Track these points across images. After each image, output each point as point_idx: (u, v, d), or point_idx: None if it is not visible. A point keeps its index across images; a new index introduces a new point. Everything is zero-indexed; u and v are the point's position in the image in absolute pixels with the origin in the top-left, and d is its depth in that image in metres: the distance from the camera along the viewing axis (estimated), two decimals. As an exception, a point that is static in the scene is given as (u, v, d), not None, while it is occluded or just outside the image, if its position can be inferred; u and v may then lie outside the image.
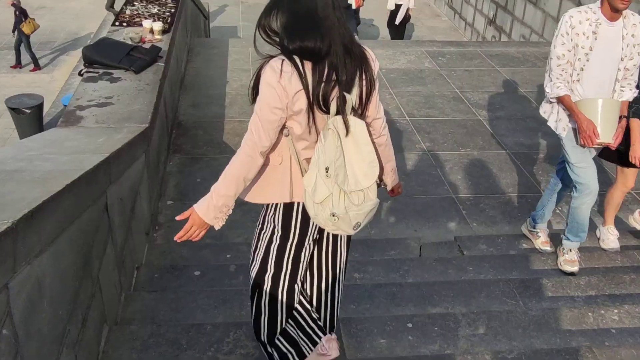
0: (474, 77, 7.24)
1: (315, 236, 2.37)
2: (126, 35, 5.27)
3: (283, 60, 2.00)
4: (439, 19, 15.58)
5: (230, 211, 2.16)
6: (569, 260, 3.67)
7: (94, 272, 2.63)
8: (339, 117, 2.05)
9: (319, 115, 2.06)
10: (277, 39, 2.04)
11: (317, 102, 2.02)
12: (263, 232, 2.37)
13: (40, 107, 8.18)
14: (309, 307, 2.50)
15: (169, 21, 5.81)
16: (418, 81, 7.07)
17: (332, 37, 1.98)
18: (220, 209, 2.11)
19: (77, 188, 2.30)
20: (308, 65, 2.00)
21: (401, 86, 6.89)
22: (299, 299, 2.46)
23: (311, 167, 2.11)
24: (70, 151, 3.04)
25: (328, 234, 2.40)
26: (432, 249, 4.09)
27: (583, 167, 3.43)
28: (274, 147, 2.16)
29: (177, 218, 2.18)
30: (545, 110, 3.55)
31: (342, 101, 2.04)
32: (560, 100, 3.36)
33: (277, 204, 2.26)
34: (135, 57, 4.71)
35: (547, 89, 3.41)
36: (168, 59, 5.13)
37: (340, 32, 2.00)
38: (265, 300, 2.42)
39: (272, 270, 2.37)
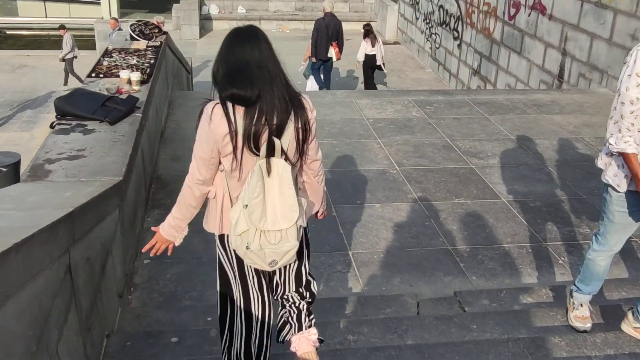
0: (463, 125, 7.08)
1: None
2: (102, 86, 5.02)
3: (216, 104, 2.23)
4: (423, 71, 15.65)
5: (186, 232, 2.55)
6: (580, 317, 3.35)
7: (52, 343, 2.29)
8: (266, 160, 2.24)
9: (248, 156, 2.24)
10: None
11: (248, 144, 2.21)
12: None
13: (17, 165, 7.85)
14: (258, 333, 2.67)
15: (147, 72, 5.60)
16: (406, 130, 6.88)
17: (264, 85, 2.19)
18: (175, 228, 2.51)
19: (29, 247, 2.00)
20: (240, 110, 2.21)
21: (389, 135, 6.70)
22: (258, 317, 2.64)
23: (238, 201, 2.30)
24: (29, 207, 2.75)
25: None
26: (430, 305, 3.78)
27: (621, 230, 3.09)
28: (213, 182, 2.41)
29: (153, 228, 2.59)
30: (604, 162, 3.05)
31: (269, 145, 2.22)
32: (624, 158, 2.86)
33: (217, 235, 2.52)
34: (110, 108, 4.48)
35: (612, 141, 2.88)
36: (146, 110, 4.89)
37: (275, 82, 2.21)
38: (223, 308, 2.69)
39: (224, 290, 2.63)
